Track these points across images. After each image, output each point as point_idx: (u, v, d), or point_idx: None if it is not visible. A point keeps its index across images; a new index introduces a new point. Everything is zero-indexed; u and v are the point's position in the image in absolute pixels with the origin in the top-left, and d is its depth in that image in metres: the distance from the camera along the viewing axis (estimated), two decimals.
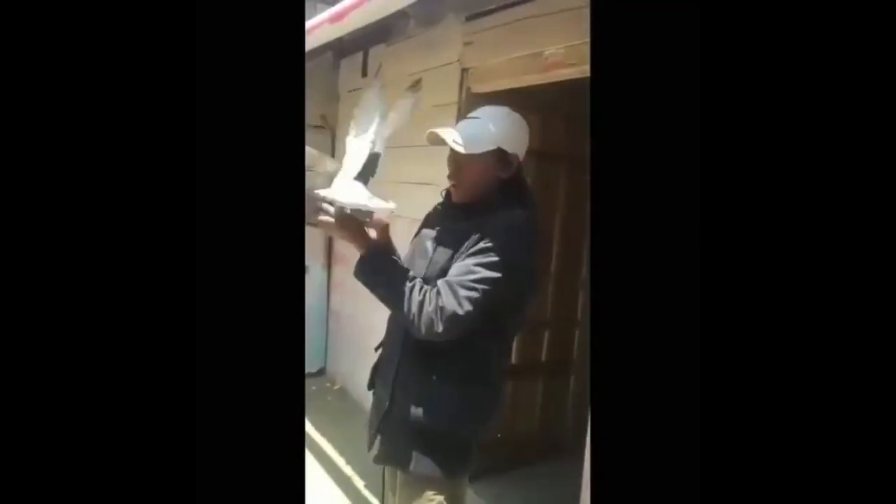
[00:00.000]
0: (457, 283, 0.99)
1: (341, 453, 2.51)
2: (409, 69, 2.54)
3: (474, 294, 0.98)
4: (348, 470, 2.40)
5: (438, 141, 1.12)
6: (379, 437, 1.17)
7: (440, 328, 0.97)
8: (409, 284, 1.02)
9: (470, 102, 2.16)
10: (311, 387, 3.23)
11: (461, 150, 1.08)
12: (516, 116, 1.16)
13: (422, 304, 1.00)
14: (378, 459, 1.18)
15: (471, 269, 1.01)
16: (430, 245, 1.15)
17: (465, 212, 1.15)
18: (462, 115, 2.19)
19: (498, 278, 0.99)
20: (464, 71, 2.18)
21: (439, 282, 1.02)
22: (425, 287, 1.03)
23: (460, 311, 0.97)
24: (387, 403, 1.13)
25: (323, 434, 2.66)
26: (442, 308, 0.98)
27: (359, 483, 2.30)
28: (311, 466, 2.44)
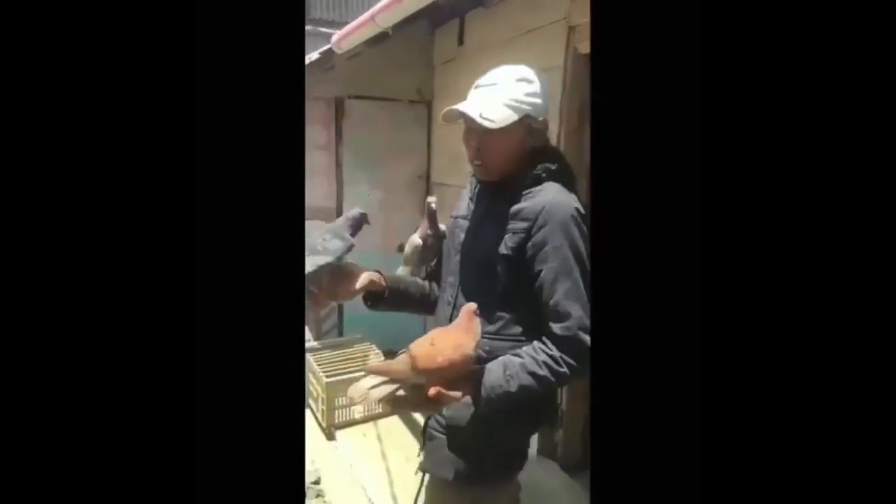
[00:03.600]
0: (563, 313, 0.91)
1: None
2: (510, 33, 2.35)
3: (581, 310, 0.91)
4: None
5: (455, 118, 0.98)
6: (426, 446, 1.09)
7: (579, 361, 0.91)
8: (513, 367, 0.92)
9: (580, 65, 1.94)
10: None
11: (489, 125, 0.93)
12: (537, 76, 0.98)
13: (549, 361, 0.92)
14: (423, 467, 1.09)
15: (560, 297, 0.91)
16: (463, 235, 1.07)
17: (497, 191, 1.02)
18: (569, 79, 1.98)
19: (577, 278, 0.92)
20: (571, 29, 1.96)
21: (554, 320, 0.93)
22: (533, 350, 0.93)
23: (583, 335, 0.91)
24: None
25: None
26: (566, 348, 0.91)
27: None
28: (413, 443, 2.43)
